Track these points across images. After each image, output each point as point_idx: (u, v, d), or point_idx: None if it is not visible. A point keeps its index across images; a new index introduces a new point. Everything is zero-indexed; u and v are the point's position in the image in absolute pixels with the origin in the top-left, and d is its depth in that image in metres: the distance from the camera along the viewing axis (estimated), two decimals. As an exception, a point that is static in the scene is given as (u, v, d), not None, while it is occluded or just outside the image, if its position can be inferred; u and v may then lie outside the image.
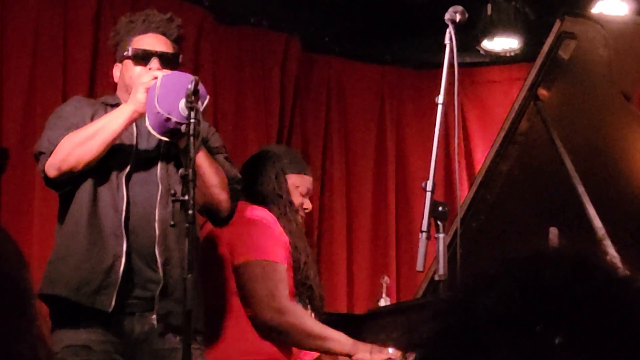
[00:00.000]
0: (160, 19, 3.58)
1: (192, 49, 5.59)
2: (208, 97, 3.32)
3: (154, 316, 3.28)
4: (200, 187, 3.33)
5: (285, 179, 3.91)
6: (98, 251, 3.31)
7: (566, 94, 4.22)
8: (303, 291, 3.82)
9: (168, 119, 3.20)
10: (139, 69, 3.49)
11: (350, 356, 3.73)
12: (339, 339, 3.72)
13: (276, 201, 3.85)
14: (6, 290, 0.95)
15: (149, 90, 3.27)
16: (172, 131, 3.21)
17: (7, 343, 0.93)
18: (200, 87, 3.23)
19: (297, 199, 3.93)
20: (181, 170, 3.08)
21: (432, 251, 3.12)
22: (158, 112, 3.21)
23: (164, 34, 3.56)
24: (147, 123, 3.26)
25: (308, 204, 4.00)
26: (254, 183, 3.88)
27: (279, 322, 3.64)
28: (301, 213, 3.97)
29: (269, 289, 3.66)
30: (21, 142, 4.91)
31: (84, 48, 5.30)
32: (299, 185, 3.96)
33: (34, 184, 4.97)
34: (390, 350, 3.75)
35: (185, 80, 3.25)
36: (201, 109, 3.20)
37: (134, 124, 3.41)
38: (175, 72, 3.42)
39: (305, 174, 4.01)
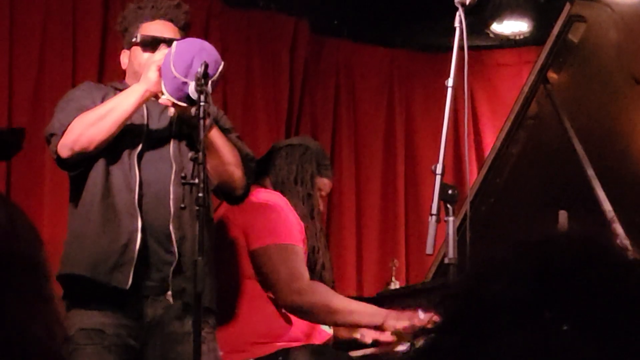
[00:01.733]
0: (168, 5, 3.58)
1: (201, 33, 5.57)
2: (223, 62, 3.34)
3: (169, 292, 3.30)
4: (216, 166, 3.36)
5: (316, 181, 3.95)
6: (113, 229, 3.33)
7: (576, 77, 4.21)
8: (313, 278, 3.84)
9: (185, 83, 3.21)
10: (147, 55, 3.50)
11: (380, 326, 3.74)
12: (366, 311, 3.73)
13: (305, 201, 3.89)
14: (23, 270, 0.96)
15: (164, 56, 3.29)
16: (189, 96, 3.22)
17: (23, 323, 0.93)
18: (214, 52, 3.30)
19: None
20: (191, 154, 3.10)
21: (441, 234, 3.12)
22: (175, 77, 3.23)
23: (171, 20, 3.57)
24: (164, 90, 3.27)
25: (321, 205, 4.04)
26: (287, 176, 3.90)
27: (300, 303, 3.67)
28: None
29: (288, 272, 3.69)
30: (31, 124, 4.92)
31: (93, 31, 5.30)
32: (322, 189, 4.00)
33: (44, 167, 4.98)
34: (421, 315, 3.74)
35: (198, 45, 3.30)
36: (216, 75, 3.26)
37: (144, 106, 3.42)
38: (189, 38, 3.45)
39: (329, 178, 4.06)
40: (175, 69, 3.24)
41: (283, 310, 3.75)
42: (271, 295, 3.74)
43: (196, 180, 3.03)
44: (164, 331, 3.34)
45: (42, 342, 0.94)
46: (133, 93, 3.35)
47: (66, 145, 3.33)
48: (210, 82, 3.21)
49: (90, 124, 3.32)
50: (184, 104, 3.24)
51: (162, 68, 3.28)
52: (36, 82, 5.12)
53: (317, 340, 3.82)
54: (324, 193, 4.04)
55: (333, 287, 3.94)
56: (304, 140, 4.21)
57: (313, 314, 3.70)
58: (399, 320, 3.71)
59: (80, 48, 5.27)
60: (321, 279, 3.86)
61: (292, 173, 3.92)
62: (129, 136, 3.41)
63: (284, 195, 3.85)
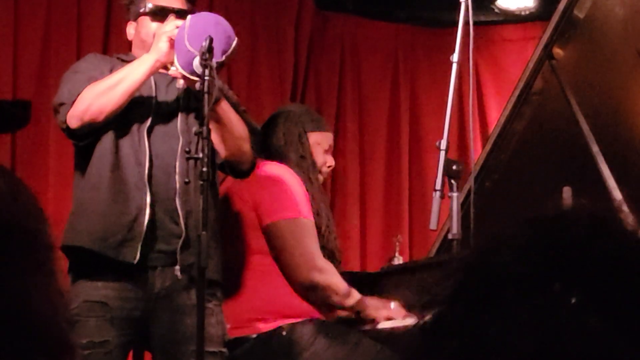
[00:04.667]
0: None
1: (206, 8, 5.57)
2: (237, 39, 3.34)
3: (177, 267, 3.31)
4: (225, 139, 3.37)
5: (308, 139, 3.93)
6: (122, 203, 3.33)
7: (581, 53, 4.20)
8: (324, 255, 3.84)
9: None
10: (155, 25, 3.50)
11: (359, 312, 3.79)
12: (356, 297, 3.78)
13: (299, 163, 3.87)
14: (24, 242, 0.96)
15: (178, 30, 3.29)
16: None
17: (23, 296, 0.93)
18: (228, 27, 3.31)
19: (320, 157, 3.95)
20: (196, 128, 3.10)
21: (445, 210, 3.13)
22: (188, 51, 3.23)
23: None
24: (176, 63, 3.27)
25: (331, 161, 4.03)
26: (276, 143, 3.89)
27: (318, 280, 3.70)
28: (324, 170, 4.00)
29: (306, 248, 3.70)
30: (36, 98, 4.92)
31: (98, 4, 5.30)
32: (320, 143, 3.97)
33: (49, 140, 4.99)
34: (392, 304, 3.81)
35: (213, 19, 3.31)
36: (230, 51, 3.28)
37: (151, 78, 3.42)
38: (204, 13, 3.45)
39: (325, 130, 4.04)
40: (189, 43, 3.24)
41: (288, 286, 3.75)
42: (281, 272, 3.75)
43: (200, 155, 3.03)
44: (172, 303, 3.35)
45: (44, 316, 0.94)
46: (143, 63, 3.35)
47: (76, 115, 3.33)
48: (223, 57, 3.24)
49: (101, 93, 3.32)
50: (196, 78, 3.24)
51: (175, 41, 3.28)
52: (41, 55, 5.12)
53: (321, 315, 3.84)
54: (326, 146, 4.00)
55: (339, 252, 3.96)
56: (284, 108, 4.22)
57: (326, 293, 3.72)
58: (377, 310, 3.78)
59: (85, 21, 5.26)
60: (327, 242, 3.87)
61: (279, 140, 3.91)
62: (138, 109, 3.41)
63: (279, 162, 3.85)
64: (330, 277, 3.73)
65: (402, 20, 6.53)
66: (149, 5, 3.52)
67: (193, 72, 3.23)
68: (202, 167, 3.02)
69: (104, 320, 3.31)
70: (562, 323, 0.87)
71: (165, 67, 3.36)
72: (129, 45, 3.66)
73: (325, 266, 3.73)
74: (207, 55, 3.14)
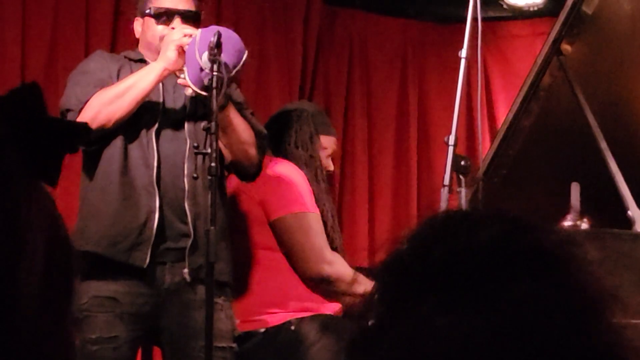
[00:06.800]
0: None
1: (214, 4, 5.57)
2: (247, 51, 3.34)
3: (186, 270, 3.32)
4: (231, 144, 3.37)
5: (319, 140, 3.94)
6: (131, 207, 3.33)
7: (590, 49, 4.20)
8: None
9: (208, 73, 3.21)
10: (160, 27, 3.49)
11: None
12: (366, 282, 3.81)
13: (308, 163, 3.89)
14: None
15: (189, 44, 3.28)
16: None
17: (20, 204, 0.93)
18: (239, 41, 3.31)
19: (323, 161, 3.97)
20: (204, 123, 3.10)
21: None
22: (200, 66, 3.22)
23: None
24: (187, 77, 3.26)
25: (331, 166, 4.04)
26: (287, 141, 3.90)
27: (329, 273, 3.73)
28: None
29: (313, 242, 3.73)
30: (44, 95, 4.93)
31: (106, 1, 5.30)
32: (326, 147, 3.99)
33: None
34: None
35: (224, 34, 3.29)
36: (240, 65, 3.28)
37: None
38: (214, 26, 3.44)
39: (333, 135, 4.06)
40: (200, 59, 3.23)
41: (295, 281, 3.77)
42: (291, 266, 3.77)
43: (209, 150, 3.04)
44: (181, 298, 3.37)
45: (43, 226, 0.94)
46: (152, 71, 3.35)
47: None
48: (234, 72, 3.23)
49: (109, 101, 3.32)
50: (205, 93, 3.22)
51: (186, 55, 3.27)
52: (49, 53, 5.12)
53: (328, 310, 3.85)
54: (329, 151, 4.03)
55: (343, 252, 3.97)
56: (299, 105, 4.23)
57: (337, 284, 3.76)
58: None
59: (93, 18, 5.27)
60: (332, 242, 3.88)
61: (291, 137, 3.92)
62: (146, 113, 3.41)
63: (287, 160, 3.87)
64: (340, 268, 3.76)
65: (411, 16, 6.52)
66: (154, 7, 3.51)
67: (203, 88, 3.22)
68: (210, 162, 3.03)
69: (113, 315, 3.31)
70: (424, 331, 0.91)
71: (175, 74, 3.35)
72: (137, 42, 3.66)
73: (333, 258, 3.76)
74: (216, 50, 3.14)
